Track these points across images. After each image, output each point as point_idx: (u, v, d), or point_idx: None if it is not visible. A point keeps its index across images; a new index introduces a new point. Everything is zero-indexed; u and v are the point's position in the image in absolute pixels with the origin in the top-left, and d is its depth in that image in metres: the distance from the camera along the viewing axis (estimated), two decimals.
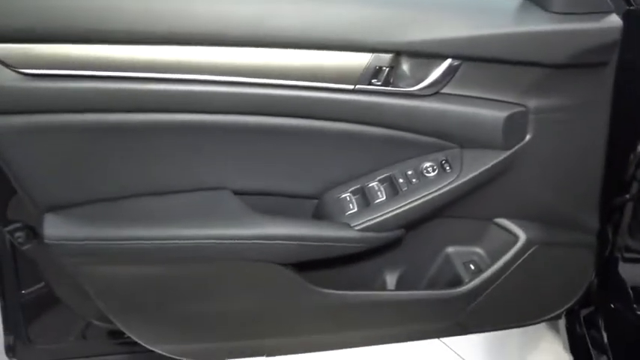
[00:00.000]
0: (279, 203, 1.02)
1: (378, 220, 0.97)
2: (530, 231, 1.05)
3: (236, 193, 0.99)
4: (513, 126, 0.94)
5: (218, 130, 0.92)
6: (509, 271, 1.06)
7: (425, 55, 0.89)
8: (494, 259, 1.07)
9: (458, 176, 0.96)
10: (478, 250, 1.10)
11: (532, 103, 0.94)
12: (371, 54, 0.87)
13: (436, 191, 0.96)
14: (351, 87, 0.89)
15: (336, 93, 0.90)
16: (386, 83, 0.89)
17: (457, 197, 0.98)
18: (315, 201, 1.04)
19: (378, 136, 0.95)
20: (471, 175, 0.96)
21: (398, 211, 0.97)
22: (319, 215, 1.03)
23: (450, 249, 1.11)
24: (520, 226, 1.05)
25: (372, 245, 0.99)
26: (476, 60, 0.89)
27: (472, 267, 1.09)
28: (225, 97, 0.88)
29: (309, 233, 0.96)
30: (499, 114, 0.93)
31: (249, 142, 0.94)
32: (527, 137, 0.95)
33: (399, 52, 0.88)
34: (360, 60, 0.88)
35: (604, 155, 0.99)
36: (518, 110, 0.93)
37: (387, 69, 0.88)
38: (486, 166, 0.96)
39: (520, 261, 1.06)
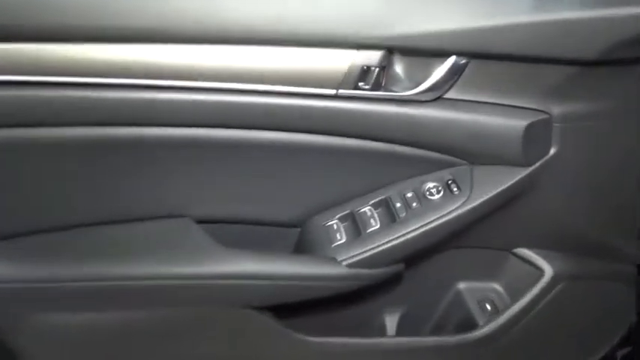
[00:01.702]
0: (252, 233, 0.88)
1: (371, 253, 0.81)
2: (558, 263, 0.90)
3: (199, 221, 0.84)
4: (535, 137, 0.79)
5: (174, 146, 0.79)
6: (534, 311, 0.90)
7: (423, 52, 0.75)
8: (515, 297, 0.92)
9: (467, 199, 0.80)
10: (495, 286, 0.95)
11: (557, 108, 0.79)
12: (356, 51, 0.73)
13: (441, 217, 0.81)
14: (332, 92, 0.75)
15: (314, 99, 0.76)
16: (376, 87, 0.75)
17: (468, 224, 0.82)
18: (297, 229, 0.88)
19: (369, 152, 0.81)
20: (483, 198, 0.80)
21: (395, 242, 0.81)
22: (301, 247, 0.87)
23: (461, 285, 0.96)
24: (545, 258, 0.90)
25: (364, 283, 0.83)
26: (487, 57, 0.75)
27: (488, 307, 0.94)
28: (183, 105, 0.75)
29: (287, 271, 0.81)
30: (517, 123, 0.78)
31: (212, 159, 0.80)
32: (552, 150, 0.81)
33: (391, 49, 0.74)
34: (344, 59, 0.73)
35: None
36: (540, 118, 0.79)
37: (377, 69, 0.74)
38: (502, 187, 0.81)
39: (546, 299, 0.90)
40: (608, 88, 0.79)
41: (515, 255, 0.91)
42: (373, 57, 0.73)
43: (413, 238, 0.81)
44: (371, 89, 0.74)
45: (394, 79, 0.76)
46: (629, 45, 0.73)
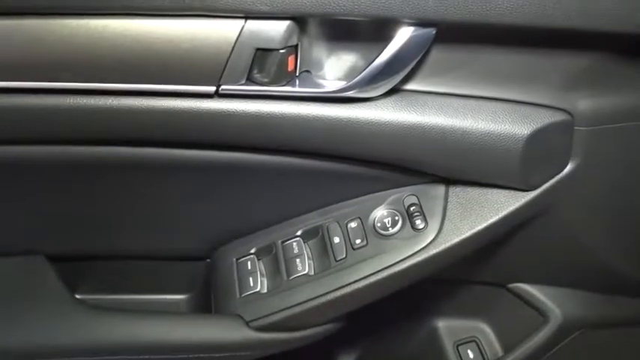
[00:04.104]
0: (145, 271, 0.64)
1: (294, 311, 0.56)
2: (571, 305, 0.66)
3: (54, 258, 0.60)
4: (547, 148, 0.52)
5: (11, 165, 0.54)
6: None
7: (360, 17, 0.44)
8: (510, 344, 0.68)
9: (437, 237, 0.54)
10: (482, 325, 0.71)
11: (583, 105, 0.51)
12: (243, 21, 0.44)
13: (398, 264, 0.54)
14: (210, 89, 0.46)
15: (183, 100, 0.47)
16: (278, 77, 0.46)
17: (438, 268, 0.56)
18: (205, 262, 0.64)
19: (289, 168, 0.53)
20: (461, 237, 0.54)
21: (329, 297, 0.55)
22: (211, 286, 0.63)
23: (440, 322, 0.72)
24: (552, 298, 0.66)
25: (283, 349, 0.58)
26: (468, 26, 0.45)
27: (470, 353, 0.70)
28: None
29: (168, 337, 0.57)
30: (517, 129, 0.49)
31: (74, 179, 0.56)
32: (571, 165, 0.53)
33: (301, 17, 0.45)
34: (226, 34, 0.44)
35: None
36: (556, 120, 0.50)
37: (282, 51, 0.45)
38: (492, 219, 0.54)
39: (552, 352, 0.66)
40: None
41: (511, 292, 0.66)
42: (274, 30, 0.44)
43: (356, 291, 0.55)
44: (271, 83, 0.46)
45: (314, 64, 0.48)
46: None
